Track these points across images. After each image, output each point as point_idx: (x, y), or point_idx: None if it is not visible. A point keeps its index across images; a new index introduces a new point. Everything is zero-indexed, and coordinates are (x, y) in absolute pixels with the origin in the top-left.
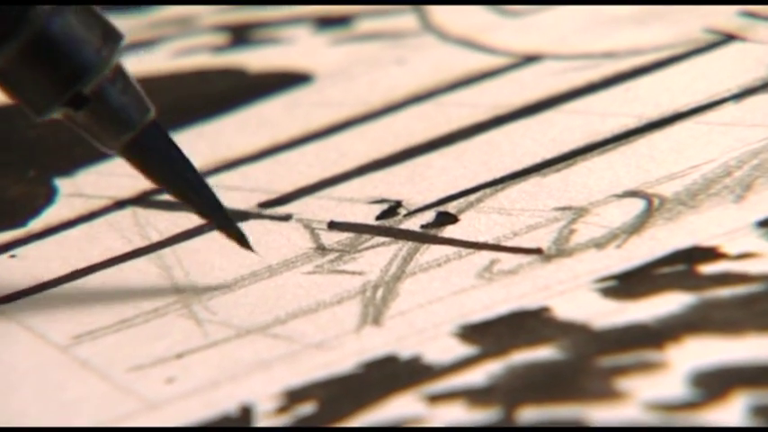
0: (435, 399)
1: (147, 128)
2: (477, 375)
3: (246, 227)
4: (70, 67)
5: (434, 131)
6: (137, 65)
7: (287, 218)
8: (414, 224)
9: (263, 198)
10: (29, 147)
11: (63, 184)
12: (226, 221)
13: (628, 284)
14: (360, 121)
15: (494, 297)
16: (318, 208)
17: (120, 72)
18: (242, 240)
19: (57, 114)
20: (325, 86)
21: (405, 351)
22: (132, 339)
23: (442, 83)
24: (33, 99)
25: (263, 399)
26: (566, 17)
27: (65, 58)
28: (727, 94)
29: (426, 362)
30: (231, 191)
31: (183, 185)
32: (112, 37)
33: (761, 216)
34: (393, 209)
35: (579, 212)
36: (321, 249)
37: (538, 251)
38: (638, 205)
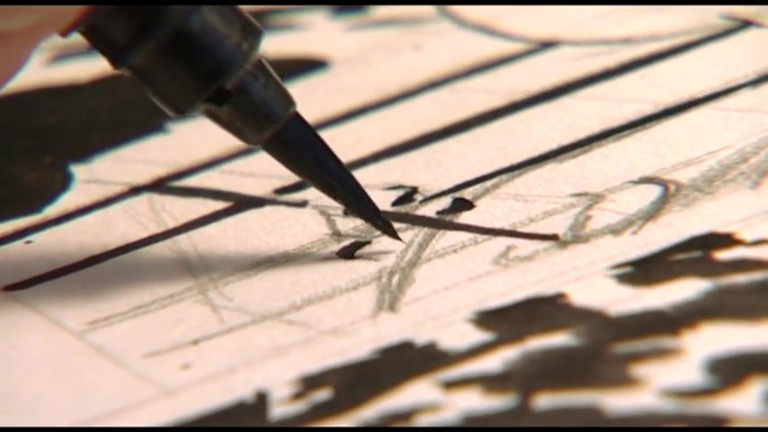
0: (451, 385)
1: (290, 121)
2: (493, 362)
3: (263, 213)
4: (211, 62)
5: (451, 117)
6: None
7: (303, 204)
8: (430, 210)
9: (280, 184)
10: (45, 133)
11: (79, 171)
12: (372, 213)
13: (644, 271)
14: (376, 107)
15: (510, 283)
16: None
17: (260, 66)
18: (389, 231)
19: (199, 111)
20: (342, 72)
21: (420, 337)
22: (148, 325)
23: (459, 69)
24: (175, 97)
25: (279, 385)
26: (583, 3)
27: (205, 54)
28: (743, 80)
29: (442, 348)
30: (247, 177)
31: (328, 178)
32: (252, 31)
33: None
34: (409, 195)
35: (595, 199)
36: (337, 235)
37: (554, 237)
38: (654, 191)
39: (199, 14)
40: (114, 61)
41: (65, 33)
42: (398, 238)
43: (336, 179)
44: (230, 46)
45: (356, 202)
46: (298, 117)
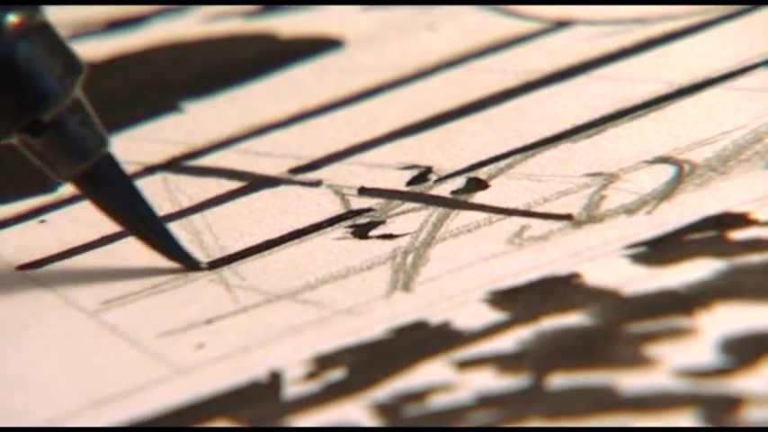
0: (465, 365)
1: (103, 160)
2: (507, 341)
3: (277, 193)
4: (31, 93)
5: (465, 97)
6: (169, 31)
7: (317, 184)
8: (444, 190)
9: (294, 164)
10: None
11: None
12: (181, 256)
13: (658, 251)
14: (390, 86)
15: (524, 263)
16: (349, 174)
17: (79, 103)
18: (195, 269)
19: (12, 139)
20: (356, 52)
21: (434, 317)
22: (162, 305)
23: (474, 48)
24: None
25: (293, 364)
26: None
27: (27, 84)
28: (758, 60)
29: (456, 328)
30: (262, 157)
31: (135, 218)
32: (75, 68)
33: None
34: (423, 175)
35: (610, 178)
36: (351, 215)
37: (568, 217)
38: (668, 171)
39: (26, 44)
40: None
41: None
42: (199, 268)
43: (143, 221)
44: (52, 79)
45: (163, 245)
46: (110, 157)
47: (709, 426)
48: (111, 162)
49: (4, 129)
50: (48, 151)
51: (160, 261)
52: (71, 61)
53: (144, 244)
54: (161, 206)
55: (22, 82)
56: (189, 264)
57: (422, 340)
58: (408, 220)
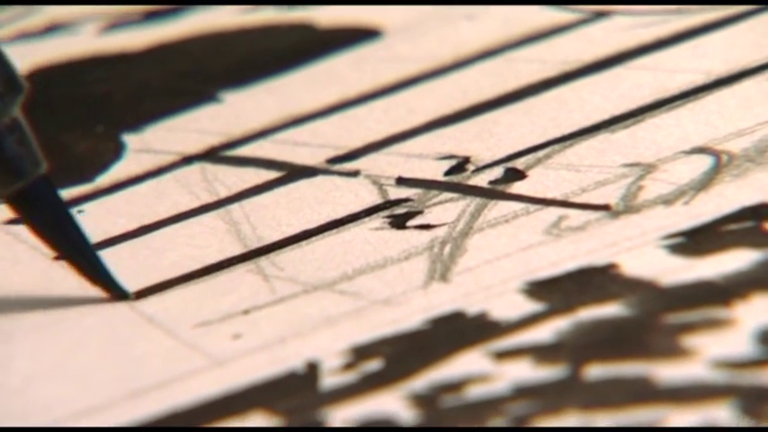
0: (502, 355)
1: (38, 181)
2: (544, 332)
3: (315, 183)
4: None
5: (503, 87)
6: (206, 21)
7: (355, 174)
8: (482, 180)
9: (332, 154)
10: (97, 102)
11: (131, 140)
12: (108, 282)
13: (695, 241)
14: (429, 76)
15: (561, 253)
16: (387, 164)
17: (17, 123)
18: (124, 298)
19: None
20: (395, 42)
21: (472, 307)
22: (199, 295)
23: (512, 38)
24: None
25: (330, 355)
26: None
27: None
28: None
29: (493, 318)
30: (300, 146)
31: (66, 242)
32: (14, 87)
33: None
34: (461, 165)
35: (647, 169)
36: (389, 205)
37: (606, 207)
38: (706, 162)
39: None
40: None
41: None
42: (126, 299)
43: (75, 247)
44: None
45: (91, 270)
46: (46, 179)
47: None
48: (46, 184)
49: None
50: None
51: (198, 251)
52: (11, 80)
53: (74, 269)
54: (199, 196)
55: None
56: (117, 293)
57: (459, 331)
58: (446, 211)
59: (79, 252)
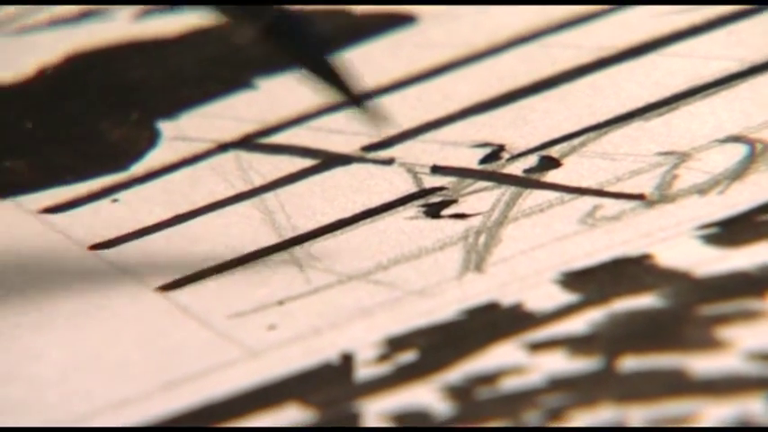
0: (536, 347)
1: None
2: (579, 323)
3: (350, 171)
4: None
5: (538, 74)
6: None
7: (390, 162)
8: (517, 168)
9: (367, 141)
10: (131, 90)
11: (166, 128)
12: (357, 98)
13: (730, 231)
14: (463, 62)
15: (596, 243)
16: (421, 152)
17: None
18: (377, 118)
19: None
20: (429, 28)
21: (506, 298)
22: (234, 285)
23: (547, 24)
24: None
25: (364, 346)
26: None
27: None
28: None
29: (528, 309)
30: (335, 134)
31: (317, 65)
32: None
33: None
34: (496, 153)
35: (682, 157)
36: (424, 194)
37: (641, 197)
38: (740, 150)
39: None
40: None
41: None
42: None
43: (325, 68)
44: None
45: (341, 88)
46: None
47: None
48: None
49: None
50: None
51: (232, 240)
52: None
53: (327, 89)
54: (234, 184)
55: None
56: (365, 107)
57: (493, 322)
58: (481, 199)
59: (331, 74)
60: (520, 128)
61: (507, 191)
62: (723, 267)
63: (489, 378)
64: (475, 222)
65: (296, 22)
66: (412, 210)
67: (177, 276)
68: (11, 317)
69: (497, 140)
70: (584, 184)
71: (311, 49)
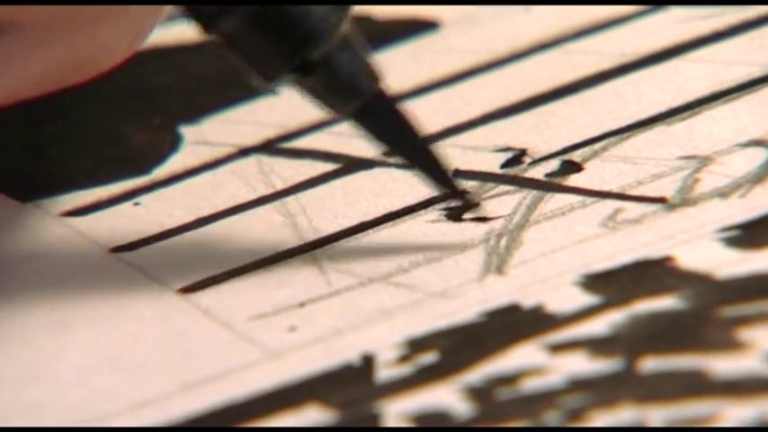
0: (557, 348)
1: (375, 95)
2: (600, 325)
3: (371, 175)
4: (298, 33)
5: (560, 79)
6: None
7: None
8: (538, 173)
9: None
10: (154, 94)
11: (188, 132)
12: (452, 187)
13: (751, 234)
14: (485, 68)
15: (617, 246)
16: (443, 156)
17: (348, 40)
18: (472, 207)
19: (287, 81)
20: (451, 34)
21: (527, 300)
22: (255, 287)
23: (568, 30)
24: (263, 66)
25: (385, 348)
26: None
27: (292, 24)
28: None
29: (549, 311)
30: (356, 138)
31: (411, 151)
32: (341, 5)
33: None
34: (518, 157)
35: (704, 161)
36: (445, 197)
37: (662, 200)
38: (762, 154)
39: None
40: (205, 26)
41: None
42: (484, 217)
43: (418, 153)
44: (317, 18)
45: (437, 176)
46: (382, 92)
47: None
48: (383, 98)
49: (276, 71)
50: (320, 90)
51: (253, 243)
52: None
53: (420, 174)
54: (255, 188)
55: (288, 23)
56: (461, 195)
57: (514, 323)
58: (502, 203)
59: (424, 157)
60: (542, 133)
61: (529, 194)
62: (744, 269)
63: (510, 379)
64: (496, 225)
65: (390, 104)
66: (433, 213)
67: (199, 279)
68: (32, 319)
69: (519, 145)
70: (605, 187)
71: (407, 135)
